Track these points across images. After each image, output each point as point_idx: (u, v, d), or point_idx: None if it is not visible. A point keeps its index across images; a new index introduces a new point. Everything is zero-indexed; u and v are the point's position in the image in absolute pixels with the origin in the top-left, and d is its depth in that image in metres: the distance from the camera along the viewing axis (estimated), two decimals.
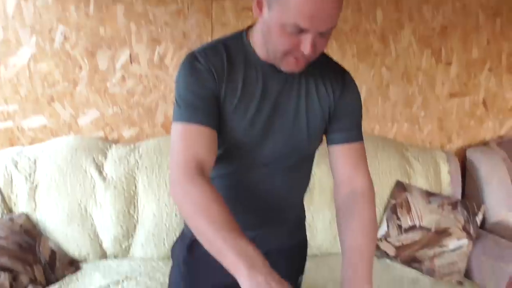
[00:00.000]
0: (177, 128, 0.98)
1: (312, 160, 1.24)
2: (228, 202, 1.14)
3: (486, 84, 2.65)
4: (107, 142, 2.35)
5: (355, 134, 1.16)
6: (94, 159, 2.22)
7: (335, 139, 1.15)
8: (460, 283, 2.05)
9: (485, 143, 2.62)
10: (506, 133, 2.65)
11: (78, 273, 2.06)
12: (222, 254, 0.81)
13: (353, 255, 1.01)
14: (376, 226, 1.09)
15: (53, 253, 2.03)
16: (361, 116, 1.17)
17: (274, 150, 1.08)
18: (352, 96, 1.15)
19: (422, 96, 2.62)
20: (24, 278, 1.83)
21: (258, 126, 1.05)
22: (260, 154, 1.08)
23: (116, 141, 2.40)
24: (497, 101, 2.67)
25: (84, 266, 2.13)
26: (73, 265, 2.10)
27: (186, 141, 0.96)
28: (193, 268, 1.22)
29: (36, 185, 2.13)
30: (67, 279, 2.01)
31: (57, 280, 1.98)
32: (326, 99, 1.10)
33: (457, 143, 2.69)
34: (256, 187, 1.13)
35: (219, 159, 1.09)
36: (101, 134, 2.39)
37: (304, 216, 1.35)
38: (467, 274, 2.14)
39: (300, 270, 1.33)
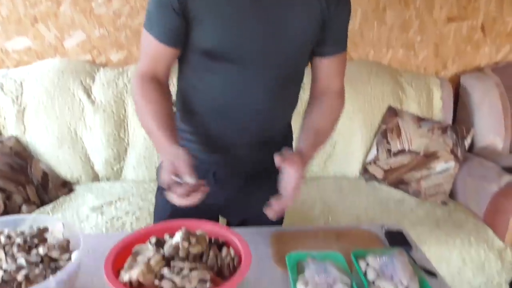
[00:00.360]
0: (143, 34, 1.04)
1: (300, 81, 1.19)
2: (209, 116, 1.13)
3: (486, 8, 2.56)
4: (95, 65, 2.30)
5: (344, 45, 1.15)
6: (81, 82, 2.18)
7: (325, 52, 1.12)
8: (444, 203, 2.11)
9: (480, 69, 2.58)
10: (502, 59, 2.60)
11: (71, 195, 2.10)
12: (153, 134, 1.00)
13: (319, 137, 1.10)
14: (338, 118, 1.17)
15: (45, 175, 2.06)
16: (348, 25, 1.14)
17: (251, 49, 1.04)
18: (345, 8, 1.10)
19: (419, 20, 2.53)
20: (17, 198, 1.86)
21: (237, 27, 1.01)
22: (240, 55, 1.04)
23: (104, 65, 2.35)
24: (496, 26, 2.59)
25: (77, 188, 2.16)
26: (66, 186, 2.13)
27: (146, 49, 1.05)
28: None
29: (24, 108, 2.11)
30: (60, 199, 2.05)
31: (50, 200, 2.02)
32: (318, 8, 1.05)
33: (452, 69, 2.64)
34: (238, 100, 1.11)
35: (198, 68, 1.07)
36: (88, 57, 2.34)
37: (292, 138, 1.34)
38: (452, 195, 2.19)
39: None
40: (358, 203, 2.09)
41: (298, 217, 1.94)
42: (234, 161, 1.18)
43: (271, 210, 0.97)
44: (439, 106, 2.40)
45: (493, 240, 1.86)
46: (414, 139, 2.23)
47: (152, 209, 1.90)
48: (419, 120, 2.29)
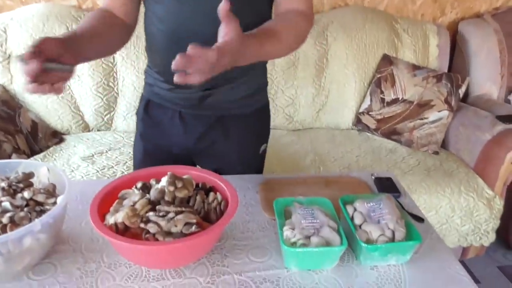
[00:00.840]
0: None
1: (257, 11, 1.06)
2: (164, 51, 1.07)
3: None
4: (81, 10, 2.21)
5: None
6: (68, 28, 2.11)
7: None
8: (436, 153, 2.11)
9: (479, 16, 2.50)
10: (502, 5, 2.52)
11: (62, 144, 2.08)
12: None
13: (270, 37, 0.91)
14: (302, 39, 1.02)
15: (34, 124, 2.03)
16: None
17: None
18: None
19: None
20: (7, 147, 1.84)
21: None
22: None
23: (90, 10, 2.26)
24: None
25: (67, 138, 2.14)
26: (56, 136, 2.11)
27: None
28: (148, 126, 1.25)
29: (9, 55, 2.05)
30: (51, 149, 2.03)
31: (41, 150, 2.01)
32: None
33: (450, 16, 2.57)
34: (183, 31, 1.02)
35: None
36: (74, 2, 2.25)
37: (265, 82, 1.25)
38: (443, 145, 2.20)
39: (263, 139, 1.29)
40: (350, 153, 2.09)
41: (289, 167, 1.95)
42: (197, 101, 1.14)
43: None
44: (435, 54, 2.36)
45: (483, 189, 1.88)
46: (408, 88, 2.20)
47: None
48: (414, 68, 2.25)
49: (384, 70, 2.27)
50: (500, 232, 1.95)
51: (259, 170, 1.32)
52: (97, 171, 1.81)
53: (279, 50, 0.96)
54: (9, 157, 1.82)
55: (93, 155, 1.95)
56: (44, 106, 2.11)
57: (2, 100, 1.97)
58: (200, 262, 0.85)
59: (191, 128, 1.19)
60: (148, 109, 1.23)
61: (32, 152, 1.96)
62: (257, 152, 1.28)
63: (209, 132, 1.20)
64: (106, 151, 2.00)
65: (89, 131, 2.23)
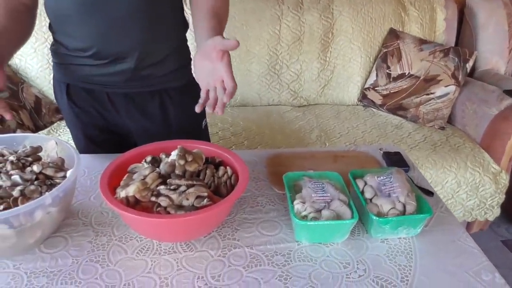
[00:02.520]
0: None
1: None
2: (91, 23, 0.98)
3: None
4: None
5: None
6: None
7: None
8: (442, 128, 2.10)
9: None
10: None
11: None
12: None
13: (213, 18, 0.94)
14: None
15: (38, 100, 2.01)
16: None
17: None
18: None
19: None
20: (11, 123, 1.83)
21: None
22: None
23: None
24: None
25: None
26: (60, 112, 2.09)
27: None
28: (76, 112, 1.15)
29: None
30: (55, 125, 2.02)
31: (45, 126, 2.00)
32: None
33: None
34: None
35: None
36: None
37: (186, 57, 1.18)
38: (450, 120, 2.18)
39: (201, 114, 1.23)
40: (356, 128, 2.08)
41: (295, 142, 1.94)
42: (130, 74, 1.06)
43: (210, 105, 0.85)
44: (442, 28, 2.32)
45: (489, 164, 1.87)
46: (415, 63, 2.17)
47: None
48: (421, 42, 2.21)
49: (391, 44, 2.23)
50: (505, 207, 1.95)
51: None
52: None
53: (225, 19, 1.00)
54: (14, 132, 1.81)
55: None
56: (47, 82, 2.09)
57: None
58: (211, 236, 0.85)
59: (122, 107, 1.13)
60: (71, 95, 1.13)
61: (36, 127, 1.95)
62: (199, 126, 1.24)
63: (145, 110, 1.14)
64: None
65: None
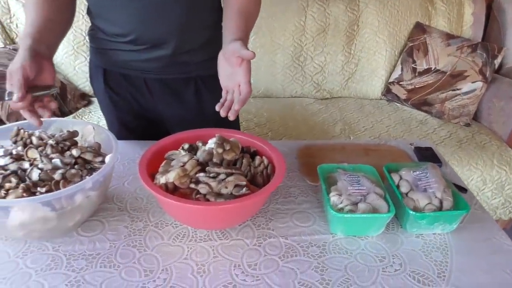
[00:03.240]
0: None
1: None
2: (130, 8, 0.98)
3: None
4: None
5: None
6: None
7: None
8: (467, 125, 2.07)
9: None
10: None
11: (90, 107, 2.09)
12: None
13: (241, 18, 0.94)
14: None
15: (63, 86, 2.03)
16: None
17: None
18: None
19: None
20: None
21: None
22: None
23: None
24: None
25: (94, 100, 2.14)
26: (85, 98, 2.12)
27: None
28: (112, 97, 1.16)
29: None
30: (80, 111, 2.04)
31: (70, 112, 2.02)
32: None
33: None
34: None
35: None
36: None
37: (221, 46, 1.19)
38: (475, 117, 2.15)
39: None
40: (380, 123, 2.07)
41: (319, 135, 1.93)
42: (167, 61, 1.07)
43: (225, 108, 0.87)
44: (470, 23, 2.28)
45: None
46: (442, 58, 2.14)
47: None
48: (448, 37, 2.18)
49: (417, 38, 2.20)
50: None
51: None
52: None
53: (254, 22, 0.99)
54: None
55: None
56: (72, 68, 2.10)
57: None
58: (245, 225, 0.85)
59: (158, 93, 1.14)
60: (107, 80, 1.14)
61: (62, 113, 1.97)
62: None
63: (180, 96, 1.14)
64: None
65: None
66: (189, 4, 1.00)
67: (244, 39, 0.87)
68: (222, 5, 1.04)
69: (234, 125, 1.26)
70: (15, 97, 0.78)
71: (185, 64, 1.09)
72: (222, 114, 0.85)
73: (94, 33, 1.10)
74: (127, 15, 0.98)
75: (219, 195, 0.75)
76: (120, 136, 1.16)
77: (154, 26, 1.00)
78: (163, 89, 1.13)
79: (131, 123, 1.20)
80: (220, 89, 1.11)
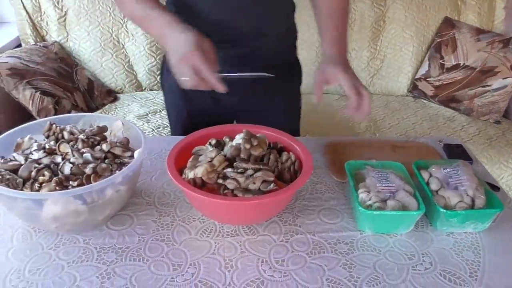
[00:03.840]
0: None
1: None
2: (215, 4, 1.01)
3: None
4: None
5: None
6: None
7: None
8: (497, 122, 2.02)
9: None
10: None
11: (116, 103, 2.12)
12: (147, 21, 0.90)
13: (339, 18, 1.01)
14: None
15: (90, 82, 2.07)
16: None
17: None
18: None
19: None
20: (66, 103, 1.89)
21: None
22: None
23: None
24: None
25: (121, 96, 2.17)
26: (111, 95, 2.15)
27: None
28: (184, 92, 1.14)
29: (65, 13, 2.07)
30: (106, 107, 2.07)
31: (97, 108, 2.05)
32: None
33: None
34: None
35: None
36: None
37: (294, 37, 1.21)
38: (506, 114, 2.09)
39: (299, 93, 1.30)
40: (406, 120, 2.03)
41: (344, 131, 1.91)
42: (240, 58, 1.08)
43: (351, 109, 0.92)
44: (502, 17, 2.21)
45: None
46: (471, 54, 2.08)
47: None
48: (478, 32, 2.12)
49: (445, 34, 2.15)
50: None
51: (297, 128, 1.33)
52: (153, 130, 1.84)
53: (347, 19, 1.04)
54: (69, 113, 1.87)
55: (147, 114, 1.98)
56: (99, 65, 2.14)
57: (60, 57, 2.01)
58: (272, 221, 0.85)
59: (234, 87, 1.14)
60: None
61: (89, 109, 2.00)
62: (298, 106, 1.29)
63: (253, 90, 1.14)
64: (160, 111, 2.01)
65: (142, 90, 2.25)
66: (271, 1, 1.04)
67: (339, 42, 0.96)
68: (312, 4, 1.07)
69: (298, 117, 1.32)
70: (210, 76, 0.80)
71: (260, 57, 1.09)
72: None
73: None
74: (212, 15, 1.00)
75: (246, 190, 0.75)
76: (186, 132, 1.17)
77: (236, 25, 1.02)
78: (238, 83, 1.13)
79: (200, 118, 1.16)
80: (289, 81, 1.20)
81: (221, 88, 0.81)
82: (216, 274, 0.72)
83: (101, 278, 0.71)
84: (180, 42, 0.82)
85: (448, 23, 2.16)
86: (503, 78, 2.01)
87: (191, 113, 1.20)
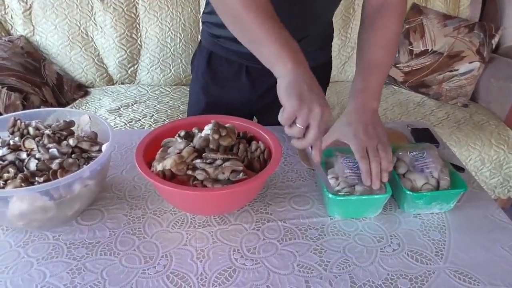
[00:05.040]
0: None
1: None
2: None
3: None
4: None
5: None
6: None
7: None
8: (465, 105, 2.07)
9: None
10: None
11: (87, 98, 2.08)
12: (264, 45, 0.77)
13: (370, 69, 0.93)
14: (398, 42, 1.01)
15: (59, 77, 2.02)
16: None
17: None
18: None
19: None
20: (35, 99, 1.84)
21: None
22: None
23: None
24: None
25: (92, 91, 2.14)
26: (81, 89, 2.11)
27: None
28: (211, 79, 1.20)
29: (30, 6, 2.02)
30: (77, 102, 2.04)
31: (67, 103, 2.02)
32: None
33: None
34: None
35: None
36: None
37: (332, 36, 1.23)
38: (473, 97, 2.15)
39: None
40: None
41: None
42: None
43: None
44: (467, 3, 2.26)
45: None
46: (439, 39, 2.13)
47: (169, 112, 1.89)
48: (445, 18, 2.16)
49: (413, 20, 2.19)
50: None
51: None
52: (125, 124, 1.82)
53: (386, 72, 0.96)
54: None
55: (119, 108, 1.96)
56: (68, 59, 2.10)
57: (26, 52, 1.96)
58: (244, 210, 0.85)
59: (258, 82, 1.15)
60: (211, 62, 1.17)
61: (59, 104, 1.96)
62: None
63: (275, 86, 1.15)
64: (132, 104, 1.99)
65: (113, 84, 2.22)
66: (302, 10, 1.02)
67: (362, 90, 0.90)
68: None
69: None
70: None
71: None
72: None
73: (208, 17, 1.14)
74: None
75: (216, 181, 0.75)
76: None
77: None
78: (262, 77, 1.13)
79: (220, 108, 1.13)
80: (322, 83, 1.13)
81: (317, 158, 0.77)
82: (188, 264, 0.72)
83: (72, 274, 0.70)
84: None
85: (416, 10, 2.20)
86: (469, 63, 2.06)
87: (210, 106, 1.21)
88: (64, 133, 0.85)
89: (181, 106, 1.99)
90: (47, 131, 0.82)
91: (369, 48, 0.94)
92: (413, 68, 2.16)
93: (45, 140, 0.80)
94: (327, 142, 0.88)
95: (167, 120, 1.85)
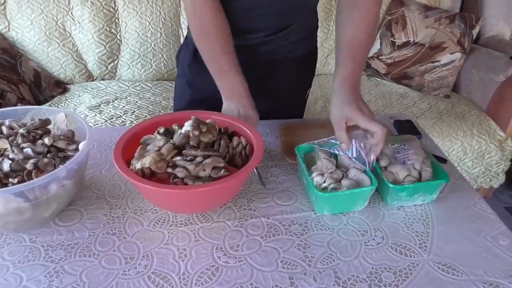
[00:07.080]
0: None
1: None
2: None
3: None
4: None
5: None
6: None
7: None
8: (447, 96, 2.08)
9: None
10: None
11: (67, 94, 2.04)
12: (215, 76, 0.98)
13: (352, 49, 0.93)
14: (377, 22, 1.03)
15: (37, 73, 1.98)
16: None
17: None
18: None
19: None
20: (11, 97, 1.80)
21: None
22: None
23: None
24: None
25: (71, 87, 2.10)
26: (60, 86, 2.07)
27: None
28: (197, 73, 1.19)
29: (5, 1, 1.96)
30: (56, 99, 2.00)
31: (46, 100, 1.97)
32: None
33: None
34: None
35: None
36: None
37: (316, 26, 1.22)
38: (455, 88, 2.16)
39: (308, 83, 1.30)
40: None
41: None
42: (251, 49, 1.11)
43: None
44: None
45: (495, 131, 1.87)
46: (420, 30, 2.13)
47: (151, 108, 1.87)
48: (426, 9, 2.17)
49: (395, 12, 2.19)
50: (510, 174, 1.96)
51: (302, 111, 1.33)
52: (106, 121, 1.78)
53: (366, 55, 0.98)
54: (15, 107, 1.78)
55: (99, 105, 1.92)
56: (45, 55, 2.05)
57: (1, 48, 1.90)
58: (226, 207, 0.84)
59: (244, 76, 1.14)
60: (197, 56, 1.11)
61: (36, 102, 1.92)
62: (303, 96, 1.29)
63: (262, 79, 1.15)
64: (113, 101, 1.96)
65: (93, 80, 2.18)
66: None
67: (354, 75, 0.91)
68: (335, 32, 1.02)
69: (303, 106, 1.33)
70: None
71: (276, 45, 1.12)
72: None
73: None
74: (235, 10, 1.00)
75: (197, 178, 0.74)
76: None
77: (257, 21, 1.05)
78: (248, 71, 1.09)
79: (206, 102, 1.13)
80: (302, 70, 1.22)
81: None
82: (169, 264, 0.71)
83: (49, 277, 0.68)
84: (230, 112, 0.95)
85: (398, 1, 2.20)
86: (451, 53, 2.07)
87: (196, 100, 1.21)
88: (40, 132, 0.82)
89: (163, 102, 1.96)
90: (21, 130, 0.80)
91: (351, 28, 0.94)
92: (396, 60, 2.17)
93: (19, 140, 0.77)
94: (341, 125, 0.88)
95: (148, 116, 1.83)
